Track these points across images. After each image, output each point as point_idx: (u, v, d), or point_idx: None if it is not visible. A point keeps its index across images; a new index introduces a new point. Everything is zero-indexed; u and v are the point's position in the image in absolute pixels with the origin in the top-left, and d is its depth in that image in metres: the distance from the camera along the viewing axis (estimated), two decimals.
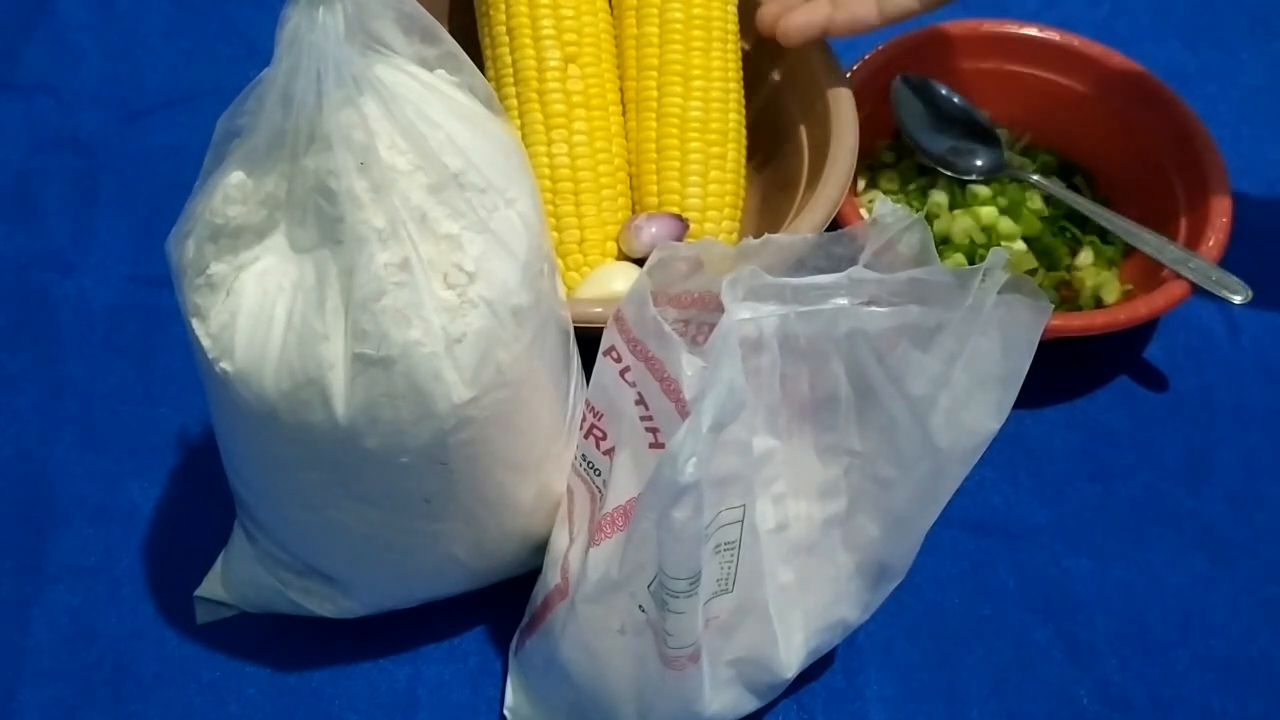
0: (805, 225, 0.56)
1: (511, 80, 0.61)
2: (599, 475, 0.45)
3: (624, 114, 0.63)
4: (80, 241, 0.69)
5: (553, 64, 0.61)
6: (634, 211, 0.63)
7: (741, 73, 0.63)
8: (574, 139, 0.60)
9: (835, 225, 0.57)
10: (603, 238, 0.61)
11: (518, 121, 0.61)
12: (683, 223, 0.60)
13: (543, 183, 0.60)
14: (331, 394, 0.40)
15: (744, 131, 0.63)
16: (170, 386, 0.62)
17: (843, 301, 0.41)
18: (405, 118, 0.40)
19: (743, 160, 0.63)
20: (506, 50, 0.61)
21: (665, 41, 0.62)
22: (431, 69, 0.44)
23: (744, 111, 0.63)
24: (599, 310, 0.52)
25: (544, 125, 0.60)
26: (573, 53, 0.61)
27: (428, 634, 0.53)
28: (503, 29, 0.61)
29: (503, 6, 0.61)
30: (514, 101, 0.61)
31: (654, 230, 0.59)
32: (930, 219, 0.68)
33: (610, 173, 0.61)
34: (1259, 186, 0.72)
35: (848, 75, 0.64)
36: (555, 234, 0.60)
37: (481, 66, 0.47)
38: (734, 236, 0.63)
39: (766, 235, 0.44)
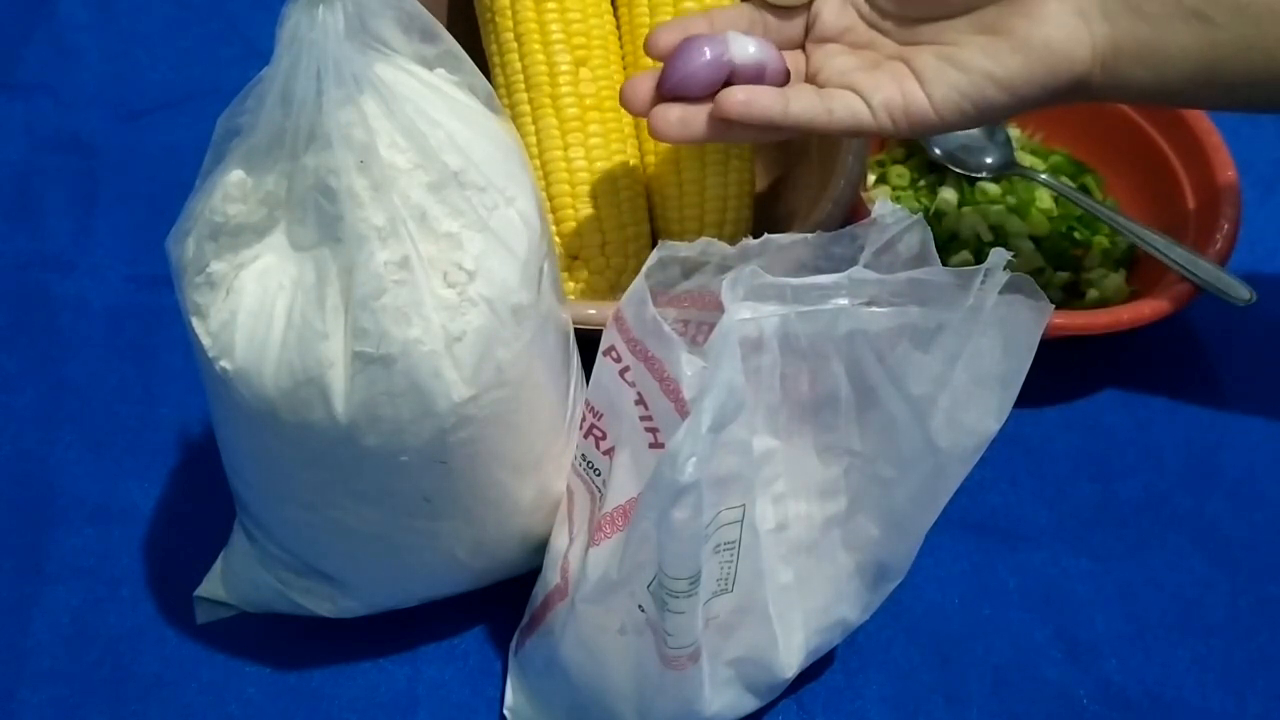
0: (815, 222, 0.56)
1: (523, 86, 0.61)
2: (599, 475, 0.45)
3: None
4: (80, 241, 0.69)
5: (564, 68, 0.61)
6: (651, 213, 0.63)
7: None
8: (590, 142, 0.60)
9: (846, 222, 0.57)
10: (624, 239, 0.61)
11: (532, 127, 0.61)
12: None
13: (562, 188, 0.60)
14: (331, 392, 0.40)
15: None
16: (170, 386, 0.62)
17: (843, 302, 0.41)
18: (405, 116, 0.40)
19: (753, 151, 0.63)
20: (516, 56, 0.61)
21: None
22: (431, 68, 0.44)
23: None
24: (599, 310, 0.52)
25: (559, 130, 0.60)
26: (582, 56, 0.61)
27: (428, 634, 0.53)
28: (510, 35, 0.61)
29: (509, 13, 0.61)
30: (527, 107, 0.61)
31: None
32: (939, 216, 0.68)
33: (627, 174, 0.61)
34: (1260, 187, 0.72)
35: None
36: (577, 238, 0.60)
37: (482, 68, 0.47)
38: (748, 228, 0.63)
39: (766, 235, 0.44)
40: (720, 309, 0.39)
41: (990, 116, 0.51)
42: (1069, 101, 0.51)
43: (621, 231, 0.61)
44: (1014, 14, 0.49)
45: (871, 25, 0.53)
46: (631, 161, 0.62)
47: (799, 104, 0.49)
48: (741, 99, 0.49)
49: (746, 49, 0.50)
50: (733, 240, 0.44)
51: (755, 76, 0.50)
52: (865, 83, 0.50)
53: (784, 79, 0.51)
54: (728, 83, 0.50)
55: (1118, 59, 0.49)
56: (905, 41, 0.52)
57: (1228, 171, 0.65)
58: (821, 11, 0.53)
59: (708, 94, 0.50)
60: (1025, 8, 0.49)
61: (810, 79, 0.53)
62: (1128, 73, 0.50)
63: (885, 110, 0.50)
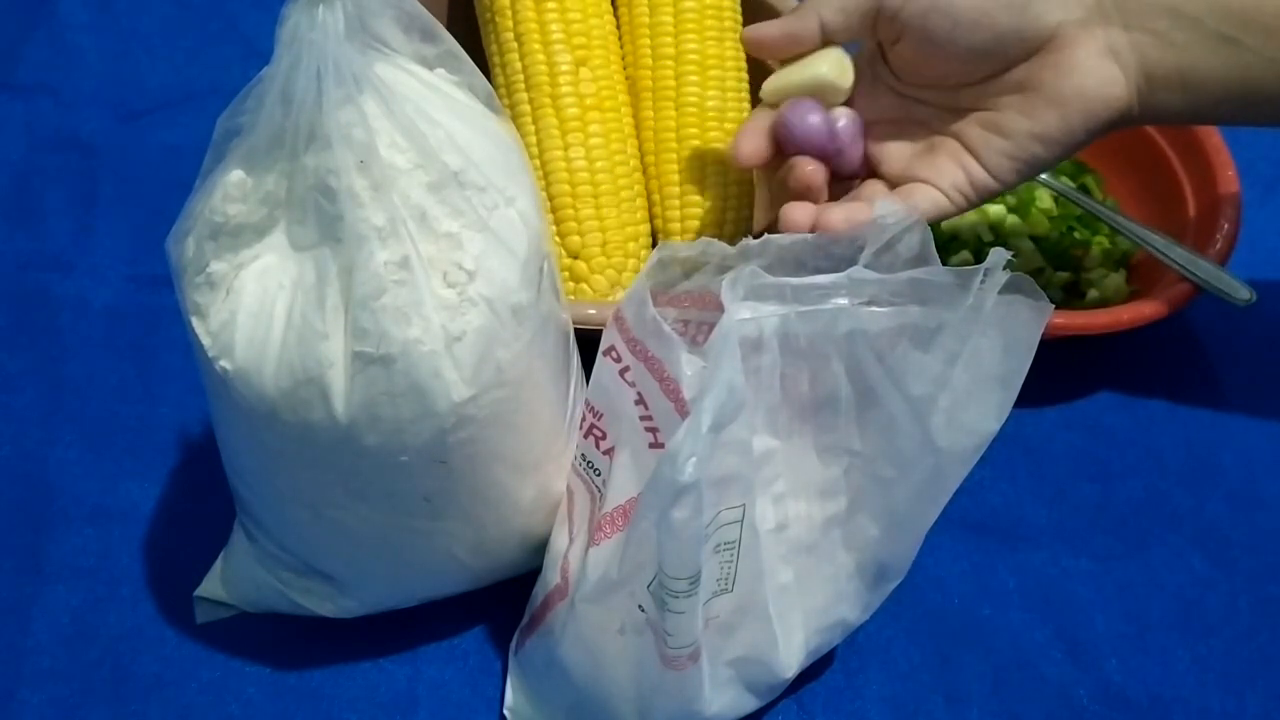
0: None
1: (523, 86, 0.61)
2: (599, 475, 0.45)
3: (637, 105, 0.63)
4: (80, 241, 0.69)
5: (564, 68, 0.61)
6: (650, 212, 0.63)
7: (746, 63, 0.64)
8: (590, 142, 0.60)
9: None
10: (624, 239, 0.61)
11: (532, 127, 0.61)
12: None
13: (562, 187, 0.60)
14: (331, 392, 0.40)
15: None
16: (170, 386, 0.62)
17: (843, 301, 0.41)
18: (405, 116, 0.40)
19: None
20: (516, 56, 0.61)
21: (680, 30, 0.62)
22: (431, 68, 0.44)
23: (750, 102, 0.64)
24: (599, 310, 0.52)
25: (559, 130, 0.60)
26: (582, 55, 0.61)
27: (428, 634, 0.53)
28: (510, 35, 0.61)
29: (509, 13, 0.61)
30: (527, 107, 0.61)
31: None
32: None
33: (627, 174, 0.61)
34: (1260, 186, 0.72)
35: None
36: (578, 237, 0.60)
37: (482, 68, 0.47)
38: (748, 228, 0.63)
39: (766, 235, 0.44)
40: (720, 309, 0.39)
41: (1044, 168, 0.52)
42: (1114, 131, 0.51)
43: (621, 231, 0.61)
44: (1043, 68, 0.49)
45: (906, 98, 0.53)
46: (631, 161, 0.62)
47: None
48: (841, 217, 0.50)
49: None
50: (733, 240, 0.44)
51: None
52: (929, 172, 0.52)
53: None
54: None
55: (1151, 88, 0.50)
56: (943, 107, 0.52)
57: (1228, 171, 0.65)
58: (855, 99, 0.54)
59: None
60: (1054, 60, 0.49)
61: (873, 170, 0.54)
62: (1162, 100, 0.50)
63: (957, 191, 0.51)
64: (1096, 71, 0.49)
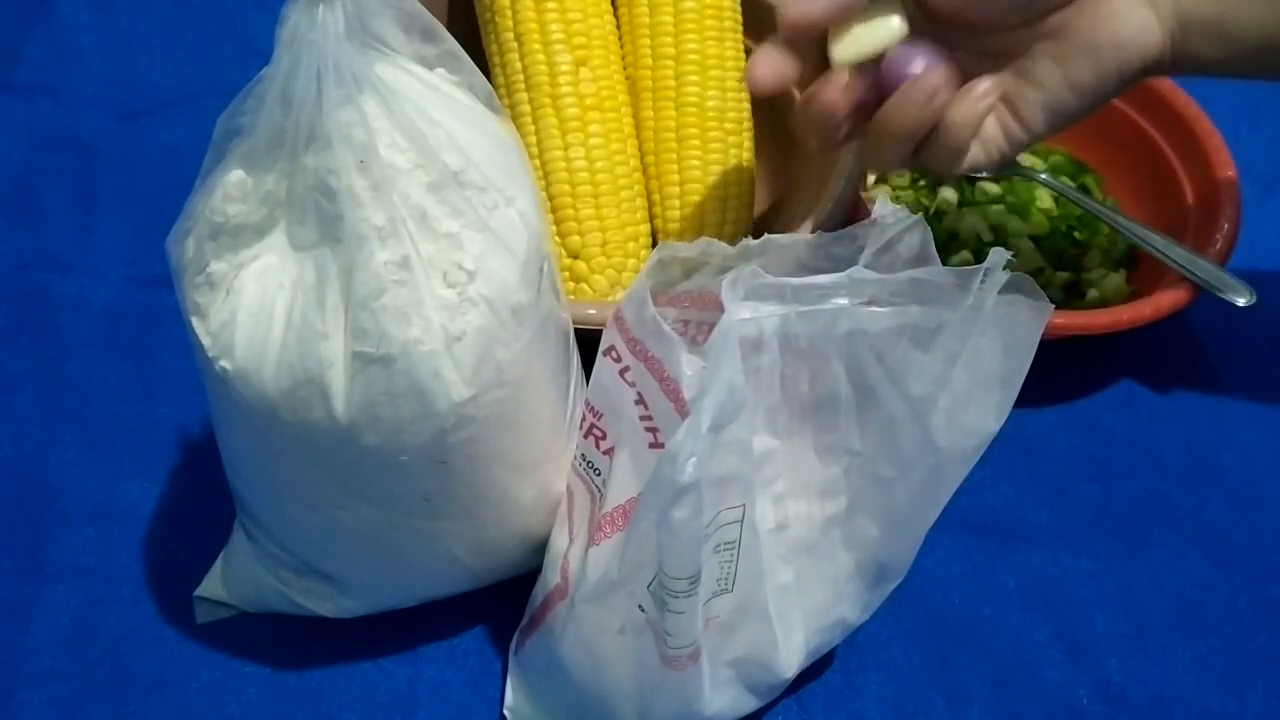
0: (815, 221, 0.56)
1: (523, 86, 0.61)
2: (599, 475, 0.45)
3: (637, 105, 0.63)
4: (80, 241, 0.69)
5: (564, 68, 0.61)
6: (650, 212, 0.63)
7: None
8: (590, 142, 0.60)
9: (846, 222, 0.57)
10: (624, 239, 0.61)
11: (532, 127, 0.61)
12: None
13: (562, 187, 0.60)
14: (331, 392, 0.40)
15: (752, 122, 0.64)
16: (170, 386, 0.62)
17: (843, 301, 0.41)
18: (405, 116, 0.40)
19: (753, 150, 0.63)
20: (516, 56, 0.61)
21: (680, 30, 0.62)
22: (431, 68, 0.44)
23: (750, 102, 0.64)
24: (599, 310, 0.52)
25: (559, 130, 0.60)
26: (582, 55, 0.61)
27: (428, 634, 0.53)
28: (510, 35, 0.61)
29: (509, 13, 0.61)
30: (527, 107, 0.61)
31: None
32: (939, 215, 0.68)
33: (627, 174, 0.62)
34: (1260, 186, 0.72)
35: None
36: (578, 237, 0.60)
37: (482, 68, 0.47)
38: (748, 228, 0.63)
39: (766, 235, 0.44)
40: (720, 309, 0.39)
41: (1075, 118, 0.51)
42: (1146, 79, 0.51)
43: (621, 231, 0.61)
44: (1079, 14, 0.49)
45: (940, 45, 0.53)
46: (631, 161, 0.62)
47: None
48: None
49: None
50: (733, 240, 0.44)
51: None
52: None
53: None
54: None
55: (1186, 37, 0.49)
56: (977, 53, 0.52)
57: (1228, 171, 0.65)
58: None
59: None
60: (1091, 6, 0.49)
61: None
62: (1196, 49, 0.50)
63: (993, 144, 0.51)
64: (1132, 18, 0.49)
